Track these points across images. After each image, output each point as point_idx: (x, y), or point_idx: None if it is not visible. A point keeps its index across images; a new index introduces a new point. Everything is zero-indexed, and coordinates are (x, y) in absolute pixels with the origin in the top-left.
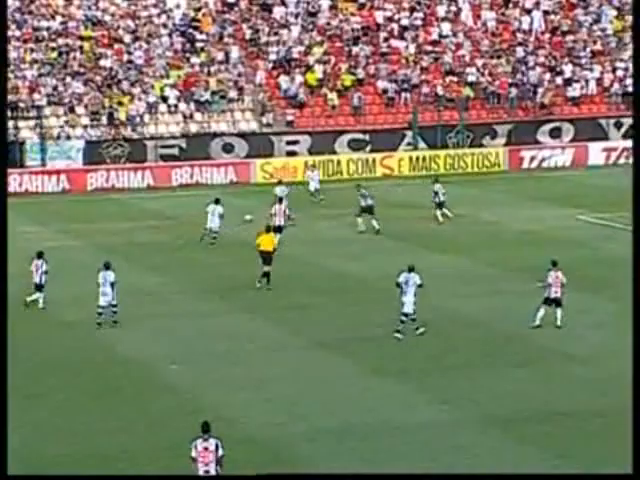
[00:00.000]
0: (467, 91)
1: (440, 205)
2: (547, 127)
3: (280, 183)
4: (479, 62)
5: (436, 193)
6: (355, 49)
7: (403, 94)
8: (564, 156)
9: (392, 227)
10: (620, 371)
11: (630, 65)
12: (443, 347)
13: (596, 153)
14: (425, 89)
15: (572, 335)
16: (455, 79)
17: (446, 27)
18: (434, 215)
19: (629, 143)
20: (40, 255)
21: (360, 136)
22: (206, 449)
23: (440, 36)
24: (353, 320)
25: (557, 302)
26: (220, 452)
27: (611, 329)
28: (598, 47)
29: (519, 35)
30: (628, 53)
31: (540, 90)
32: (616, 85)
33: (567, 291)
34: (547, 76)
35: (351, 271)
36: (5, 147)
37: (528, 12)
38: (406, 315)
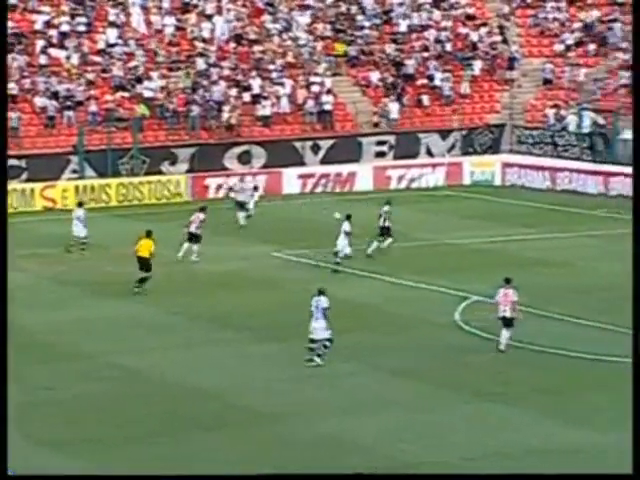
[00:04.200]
0: (142, 109)
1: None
2: (235, 151)
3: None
4: (155, 75)
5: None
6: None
7: (66, 113)
8: (252, 184)
9: (71, 271)
10: (327, 429)
11: (326, 80)
12: (118, 412)
13: (291, 180)
14: (92, 107)
15: (264, 390)
16: (127, 95)
17: (114, 34)
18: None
19: (327, 169)
20: None
21: (14, 162)
22: None
23: (108, 45)
24: (13, 383)
25: (507, 320)
26: None
27: (293, 382)
28: (289, 59)
29: (199, 44)
30: (323, 66)
31: (226, 108)
32: (311, 102)
33: (258, 341)
34: (233, 92)
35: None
36: (5, 151)
37: (209, 18)
38: (314, 341)
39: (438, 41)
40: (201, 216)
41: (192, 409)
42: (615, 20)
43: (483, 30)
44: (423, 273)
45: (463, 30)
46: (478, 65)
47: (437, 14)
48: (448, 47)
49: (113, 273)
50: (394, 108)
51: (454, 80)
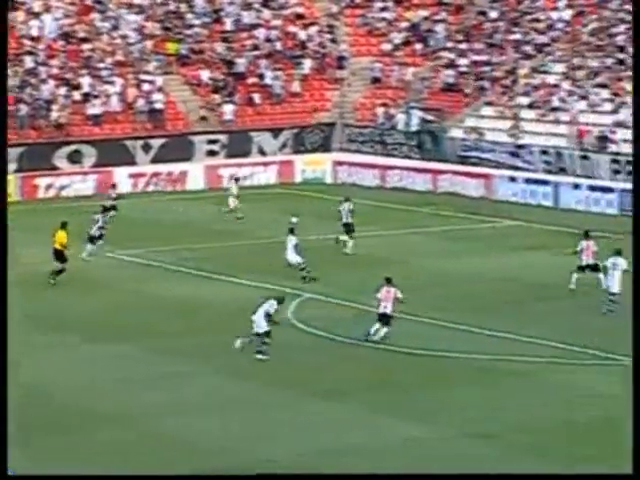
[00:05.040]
0: None
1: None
2: (65, 150)
3: None
4: None
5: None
6: None
7: None
8: (85, 184)
9: None
10: (172, 430)
11: (157, 79)
12: None
13: (122, 179)
14: None
15: (106, 392)
16: None
17: None
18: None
19: (159, 168)
20: None
21: None
22: None
23: None
24: None
25: (387, 317)
26: None
27: (135, 383)
28: (119, 57)
29: (27, 42)
30: (153, 64)
31: (55, 107)
32: (141, 101)
33: (96, 342)
34: (62, 90)
35: None
36: (5, 148)
37: (37, 16)
38: (258, 335)
39: (268, 40)
40: (99, 217)
41: (33, 412)
42: (441, 20)
43: (312, 29)
44: (257, 271)
45: (293, 29)
46: (308, 64)
47: (267, 13)
48: (278, 46)
49: None
50: (228, 109)
51: (285, 79)
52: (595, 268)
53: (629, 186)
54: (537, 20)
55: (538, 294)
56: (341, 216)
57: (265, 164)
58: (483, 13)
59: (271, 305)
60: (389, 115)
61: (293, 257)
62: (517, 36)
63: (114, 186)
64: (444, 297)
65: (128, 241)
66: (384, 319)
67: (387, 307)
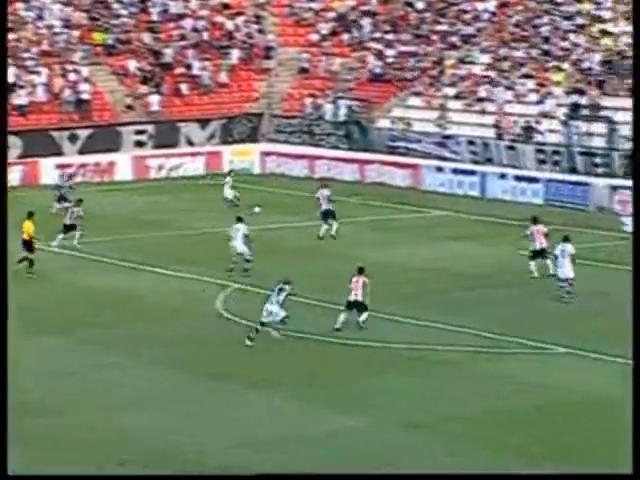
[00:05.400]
0: None
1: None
2: None
3: None
4: None
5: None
6: None
7: None
8: (11, 175)
9: None
10: (105, 423)
11: (83, 69)
12: None
13: (49, 170)
14: None
15: (37, 384)
16: None
17: None
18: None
19: (86, 158)
20: None
21: None
22: None
23: None
24: None
25: (358, 304)
26: None
27: (66, 376)
28: (45, 47)
29: None
30: (79, 54)
31: None
32: (68, 91)
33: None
34: None
35: None
36: (5, 143)
37: None
38: (263, 324)
39: (195, 30)
40: (75, 209)
41: None
42: (368, 11)
43: (240, 19)
44: (185, 262)
45: (220, 19)
46: (235, 54)
47: (194, 3)
48: (205, 36)
49: None
50: (154, 100)
51: (212, 69)
52: (544, 255)
53: (554, 176)
54: (463, 11)
55: (466, 284)
56: (320, 204)
57: (193, 154)
58: (410, 4)
59: (286, 290)
60: (317, 105)
61: (241, 246)
62: (443, 27)
63: (71, 177)
64: (374, 287)
65: (56, 232)
66: (356, 306)
67: (357, 295)
